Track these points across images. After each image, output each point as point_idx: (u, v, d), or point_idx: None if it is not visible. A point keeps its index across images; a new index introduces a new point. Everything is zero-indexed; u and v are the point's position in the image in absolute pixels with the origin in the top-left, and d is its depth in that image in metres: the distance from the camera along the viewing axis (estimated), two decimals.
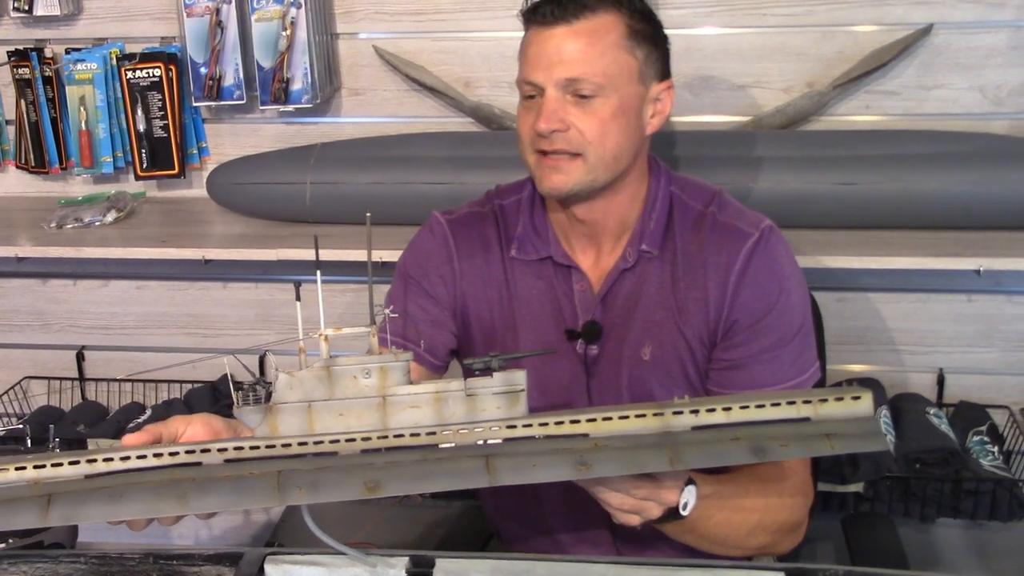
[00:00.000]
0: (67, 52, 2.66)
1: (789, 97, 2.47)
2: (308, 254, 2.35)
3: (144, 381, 2.84)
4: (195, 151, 2.72)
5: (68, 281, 2.89)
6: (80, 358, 2.91)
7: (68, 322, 2.92)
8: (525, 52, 1.68)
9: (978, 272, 2.22)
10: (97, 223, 2.61)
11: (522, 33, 1.73)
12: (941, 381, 2.55)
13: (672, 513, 1.48)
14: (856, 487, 2.31)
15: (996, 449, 2.36)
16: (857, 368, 2.59)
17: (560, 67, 1.62)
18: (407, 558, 1.34)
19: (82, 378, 2.91)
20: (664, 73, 1.74)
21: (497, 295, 1.78)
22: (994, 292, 2.49)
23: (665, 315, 1.72)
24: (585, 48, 1.62)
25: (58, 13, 2.62)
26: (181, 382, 2.80)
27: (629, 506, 1.45)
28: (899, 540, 2.20)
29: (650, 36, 1.70)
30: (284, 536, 2.42)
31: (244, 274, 2.76)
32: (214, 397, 2.67)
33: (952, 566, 2.34)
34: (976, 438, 2.39)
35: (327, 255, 2.18)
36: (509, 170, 1.90)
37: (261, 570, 1.35)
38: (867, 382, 2.52)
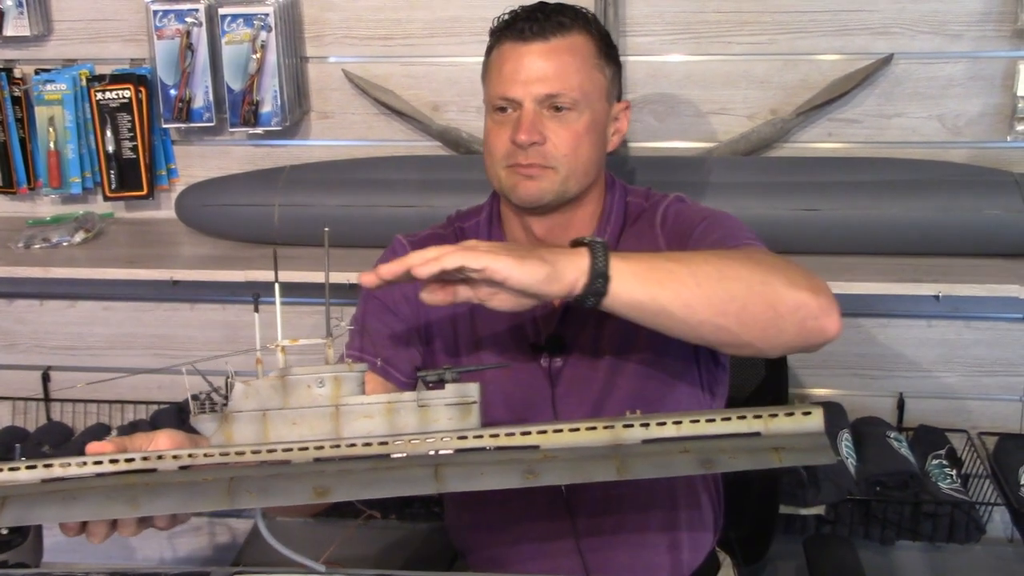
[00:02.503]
0: (37, 73, 2.66)
1: (753, 124, 2.50)
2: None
3: (110, 402, 2.83)
4: (164, 172, 2.72)
5: (35, 301, 2.88)
6: (46, 378, 2.90)
7: (34, 342, 2.91)
8: (500, 67, 1.71)
9: (937, 298, 2.25)
10: (65, 243, 2.60)
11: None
12: (901, 405, 2.58)
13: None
14: (818, 510, 2.33)
15: (954, 472, 2.39)
16: (820, 392, 2.62)
17: (540, 83, 1.67)
18: None
19: (47, 399, 2.89)
20: (620, 94, 1.81)
21: (459, 312, 1.80)
22: (953, 318, 2.52)
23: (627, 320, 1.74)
24: (564, 64, 1.68)
25: (28, 34, 2.62)
26: (147, 403, 2.80)
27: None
28: (859, 562, 2.22)
29: (614, 58, 1.77)
30: (249, 557, 2.42)
31: (212, 295, 2.76)
32: (180, 419, 2.67)
33: None
34: (935, 462, 2.41)
35: (293, 277, 2.18)
36: (476, 193, 1.92)
37: None
38: (829, 406, 2.55)
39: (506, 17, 1.73)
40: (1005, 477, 2.36)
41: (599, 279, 1.39)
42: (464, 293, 1.42)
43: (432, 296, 1.43)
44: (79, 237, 2.62)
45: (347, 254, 2.36)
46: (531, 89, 1.67)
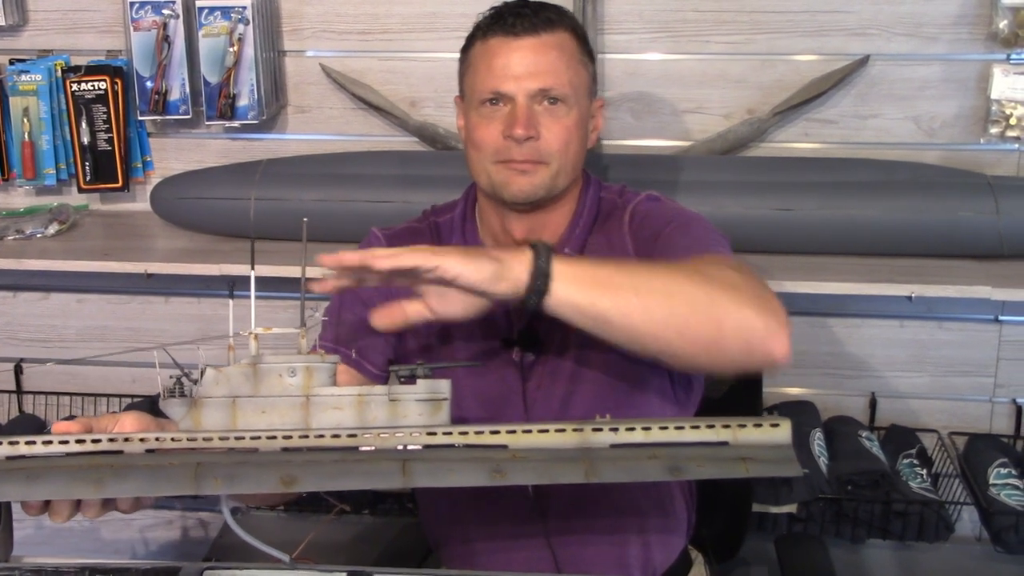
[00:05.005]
0: (11, 63, 2.63)
1: (729, 123, 2.50)
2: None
3: (83, 395, 2.80)
4: (139, 165, 2.69)
5: (8, 293, 2.85)
6: (18, 371, 2.87)
7: (7, 334, 2.88)
8: (489, 62, 1.71)
9: (910, 298, 2.26)
10: (39, 235, 2.58)
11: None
12: (873, 404, 2.58)
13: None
14: (789, 508, 2.33)
15: (925, 472, 2.40)
16: (793, 391, 2.62)
17: (533, 78, 1.68)
18: (345, 572, 1.33)
19: (20, 391, 2.87)
20: (596, 92, 1.83)
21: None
22: (925, 318, 2.53)
23: None
24: (556, 59, 1.70)
25: (3, 24, 2.60)
26: (120, 396, 2.78)
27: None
28: (830, 561, 2.23)
29: (592, 56, 1.79)
30: (221, 551, 2.41)
31: (186, 289, 2.74)
32: (153, 413, 2.64)
33: None
34: (906, 461, 2.42)
35: (269, 271, 2.17)
36: (453, 189, 1.91)
37: None
38: (802, 405, 2.55)
39: (490, 13, 1.74)
40: (974, 477, 2.37)
41: (541, 278, 1.41)
42: (413, 309, 1.47)
43: (382, 320, 1.49)
44: (53, 229, 2.60)
45: (323, 248, 2.33)
46: (524, 84, 1.68)
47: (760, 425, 1.30)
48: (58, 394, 2.81)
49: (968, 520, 2.45)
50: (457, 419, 1.33)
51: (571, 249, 1.76)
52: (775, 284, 2.24)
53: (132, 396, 2.76)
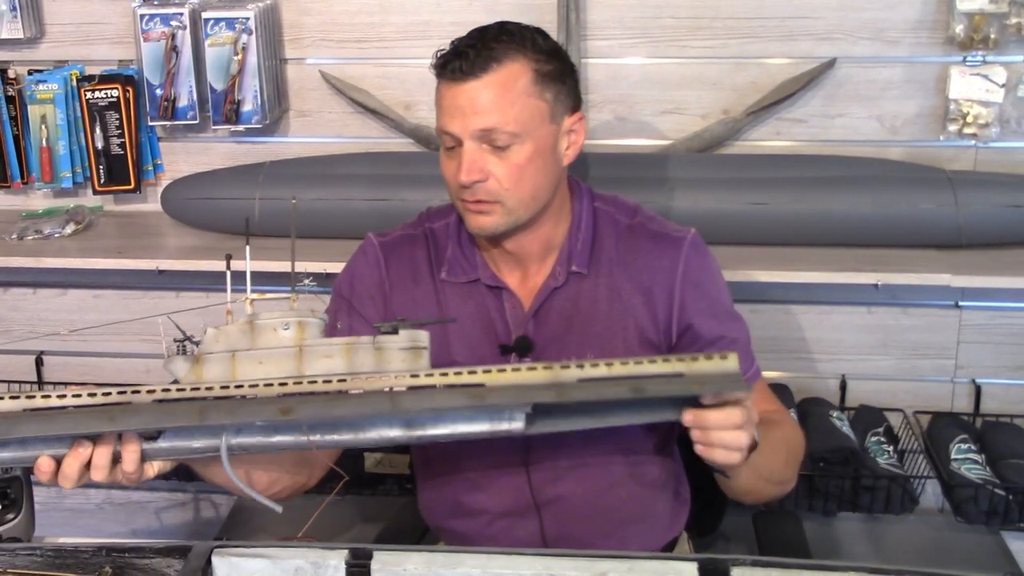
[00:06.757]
0: (30, 73, 2.64)
1: (706, 123, 2.50)
2: (255, 265, 2.33)
3: (99, 385, 2.78)
4: (150, 167, 2.71)
5: (28, 290, 2.86)
6: (39, 363, 2.87)
7: (28, 329, 2.88)
8: (440, 104, 1.67)
9: (876, 286, 2.27)
10: (56, 235, 2.60)
11: None
12: (843, 386, 2.59)
13: None
14: None
15: (891, 449, 2.41)
16: (768, 374, 2.59)
17: (474, 119, 1.62)
18: (347, 550, 1.33)
19: (40, 382, 2.87)
20: (575, 106, 1.74)
21: (428, 316, 1.77)
22: (891, 305, 2.54)
23: (606, 326, 1.73)
24: (496, 100, 1.62)
25: (21, 36, 2.61)
26: (136, 386, 2.76)
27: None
28: (803, 533, 2.23)
29: (558, 75, 1.69)
30: (231, 531, 2.41)
31: (196, 284, 2.74)
32: None
33: (850, 555, 2.37)
34: (874, 439, 2.43)
35: (271, 266, 2.17)
36: (445, 188, 1.90)
37: (208, 562, 1.34)
38: (777, 387, 2.55)
39: (445, 50, 1.68)
40: (937, 452, 2.39)
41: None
42: None
43: None
44: (70, 229, 2.61)
45: (322, 245, 2.36)
46: (468, 127, 1.63)
47: (711, 358, 1.37)
48: (76, 384, 2.79)
49: (932, 493, 2.47)
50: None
51: (578, 267, 1.74)
52: (751, 274, 2.27)
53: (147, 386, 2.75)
